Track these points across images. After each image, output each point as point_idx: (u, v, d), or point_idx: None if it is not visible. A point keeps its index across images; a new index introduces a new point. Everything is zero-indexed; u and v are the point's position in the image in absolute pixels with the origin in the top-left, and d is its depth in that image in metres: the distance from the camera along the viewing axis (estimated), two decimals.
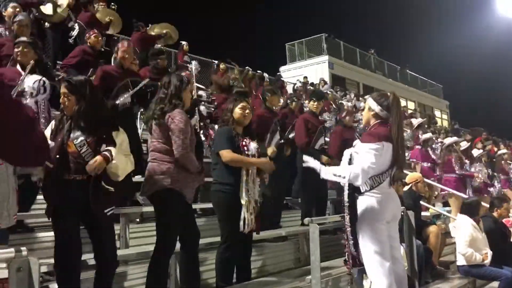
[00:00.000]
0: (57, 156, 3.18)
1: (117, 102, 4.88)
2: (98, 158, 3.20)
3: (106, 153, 3.25)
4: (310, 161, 3.66)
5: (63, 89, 3.34)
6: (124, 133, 3.50)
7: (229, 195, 4.00)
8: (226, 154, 3.99)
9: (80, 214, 3.26)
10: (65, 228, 3.21)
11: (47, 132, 3.33)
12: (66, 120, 3.31)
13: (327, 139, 6.82)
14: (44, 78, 4.22)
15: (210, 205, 4.43)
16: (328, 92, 15.12)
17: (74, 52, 6.34)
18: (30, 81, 4.13)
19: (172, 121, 3.57)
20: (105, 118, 3.42)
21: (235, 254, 4.10)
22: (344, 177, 3.41)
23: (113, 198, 3.39)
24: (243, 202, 3.93)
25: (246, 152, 4.03)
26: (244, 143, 4.07)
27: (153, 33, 9.65)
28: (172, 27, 10.09)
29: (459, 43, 39.16)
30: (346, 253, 3.58)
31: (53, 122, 3.41)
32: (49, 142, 3.25)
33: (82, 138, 3.25)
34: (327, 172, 3.55)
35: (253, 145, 4.10)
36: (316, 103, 6.46)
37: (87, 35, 6.56)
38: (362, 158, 3.41)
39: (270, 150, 5.70)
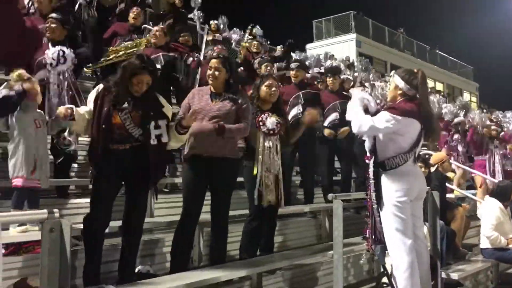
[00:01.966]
0: (103, 125, 3.25)
1: None
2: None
3: None
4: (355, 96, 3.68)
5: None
6: (171, 109, 3.59)
7: (249, 169, 4.06)
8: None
9: (120, 181, 3.39)
10: (101, 195, 3.31)
11: (91, 96, 3.40)
12: (112, 91, 3.33)
13: None
14: (63, 48, 4.28)
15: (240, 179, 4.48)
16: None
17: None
18: (51, 52, 4.22)
19: (249, 105, 3.91)
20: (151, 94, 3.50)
21: (260, 227, 4.17)
22: (355, 125, 3.50)
23: (164, 170, 3.52)
24: (255, 173, 3.98)
25: (262, 129, 4.04)
26: (260, 118, 4.07)
27: None
28: None
29: (492, 24, 37.92)
30: (368, 230, 3.58)
31: (99, 87, 3.43)
32: (90, 107, 3.35)
33: (126, 111, 3.32)
34: (352, 109, 3.57)
35: (270, 120, 4.07)
36: (331, 79, 6.40)
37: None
38: (378, 119, 3.45)
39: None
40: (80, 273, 3.30)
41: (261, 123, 4.06)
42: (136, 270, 3.64)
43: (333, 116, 6.13)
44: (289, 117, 5.44)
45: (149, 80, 3.36)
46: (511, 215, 5.46)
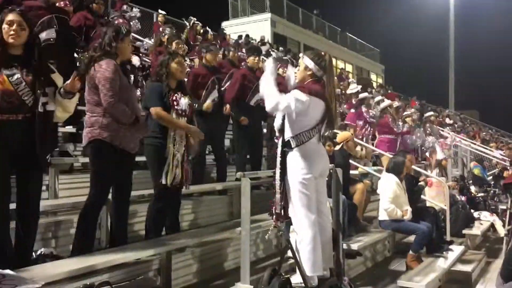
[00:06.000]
0: None
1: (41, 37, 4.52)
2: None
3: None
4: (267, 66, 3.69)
5: (15, 17, 3.03)
6: (61, 78, 3.33)
7: (158, 149, 4.05)
8: (156, 112, 4.02)
9: (13, 157, 3.07)
10: None
11: None
12: None
13: None
14: None
15: (143, 158, 4.41)
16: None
17: None
18: None
19: (98, 70, 3.52)
20: (42, 58, 3.20)
21: (165, 207, 4.17)
22: (270, 102, 3.52)
23: (54, 143, 3.27)
24: (167, 155, 4.00)
25: (176, 107, 4.04)
26: (174, 97, 4.06)
27: None
28: None
29: (399, 12, 40.41)
30: (273, 207, 3.70)
31: None
32: None
33: (18, 75, 3.03)
34: (267, 84, 3.58)
35: (183, 101, 4.11)
36: (255, 58, 6.48)
37: None
38: (291, 98, 3.53)
39: (205, 105, 5.74)
40: None
41: (175, 103, 4.04)
42: (39, 252, 3.48)
43: (258, 96, 6.18)
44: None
45: (21, 21, 3.04)
46: (405, 189, 5.90)
